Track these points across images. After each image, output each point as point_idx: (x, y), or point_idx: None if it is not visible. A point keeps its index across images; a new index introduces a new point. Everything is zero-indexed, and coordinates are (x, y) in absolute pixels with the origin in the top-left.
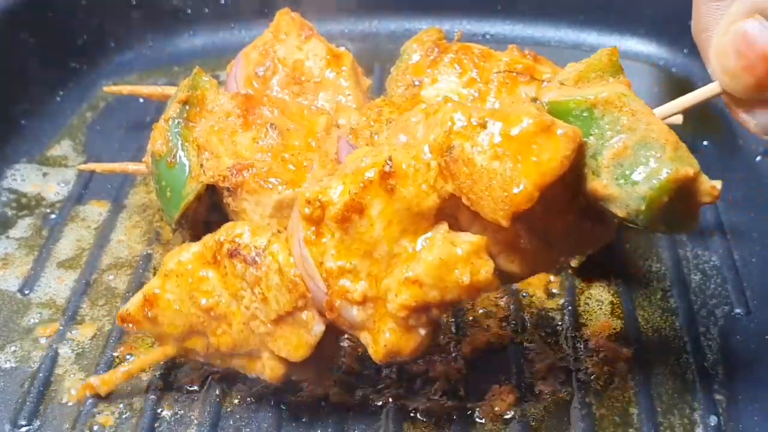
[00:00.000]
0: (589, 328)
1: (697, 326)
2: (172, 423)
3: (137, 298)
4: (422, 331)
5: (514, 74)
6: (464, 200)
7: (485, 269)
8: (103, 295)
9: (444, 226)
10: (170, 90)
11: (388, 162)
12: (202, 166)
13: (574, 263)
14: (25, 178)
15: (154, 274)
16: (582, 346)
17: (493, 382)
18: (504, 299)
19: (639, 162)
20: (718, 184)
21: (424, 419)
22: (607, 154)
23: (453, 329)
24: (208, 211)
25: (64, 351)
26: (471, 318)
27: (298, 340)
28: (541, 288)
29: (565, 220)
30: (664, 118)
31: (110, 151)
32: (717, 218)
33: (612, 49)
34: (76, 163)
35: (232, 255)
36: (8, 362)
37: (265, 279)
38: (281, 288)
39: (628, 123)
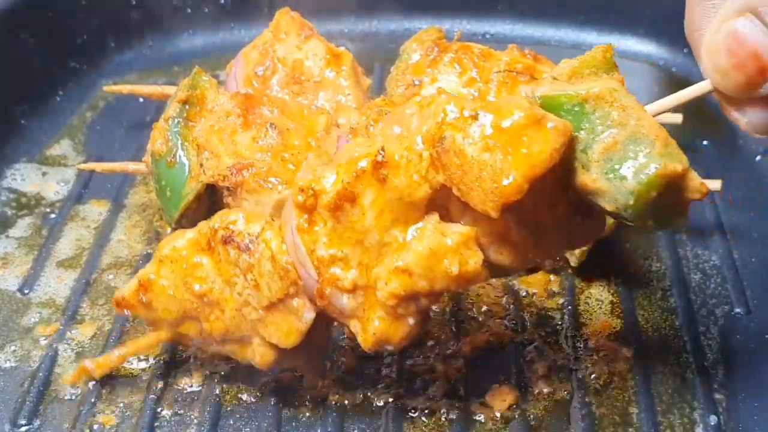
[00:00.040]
0: (589, 327)
1: (697, 326)
2: (172, 423)
3: (132, 283)
4: (411, 320)
5: (514, 74)
6: (455, 191)
7: (474, 260)
8: (102, 294)
9: (435, 217)
10: (170, 90)
11: (381, 152)
12: (201, 165)
13: (573, 263)
14: (25, 178)
15: None
16: (582, 346)
17: (493, 381)
18: (504, 299)
19: (628, 157)
20: (717, 183)
21: (424, 419)
22: (597, 149)
23: (453, 329)
24: (208, 211)
25: (64, 350)
26: (471, 318)
27: (289, 327)
28: (541, 287)
29: (555, 213)
30: (655, 115)
31: (110, 150)
32: (717, 218)
33: (607, 46)
34: (76, 163)
35: (226, 241)
36: (8, 362)
37: (258, 266)
38: (273, 275)
39: (618, 118)
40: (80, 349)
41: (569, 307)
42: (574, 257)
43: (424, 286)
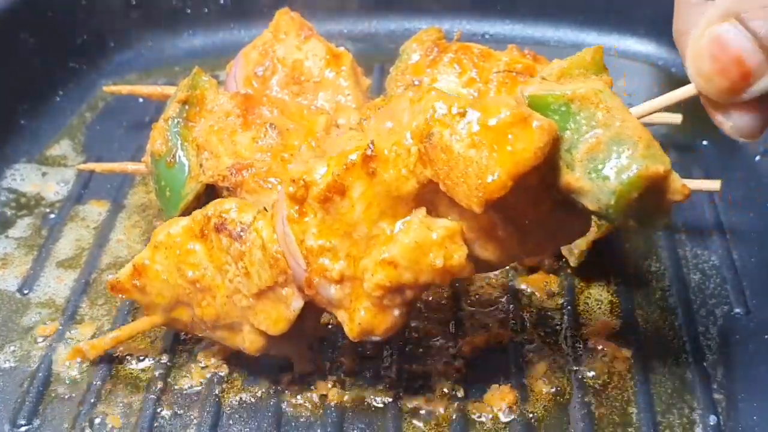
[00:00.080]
0: (589, 327)
1: (697, 326)
2: (172, 423)
3: (127, 268)
4: (396, 312)
5: (514, 74)
6: (441, 186)
7: (458, 254)
8: (102, 294)
9: (422, 211)
10: (170, 90)
11: (371, 146)
12: (201, 165)
13: (573, 263)
14: (25, 178)
15: None
16: (581, 346)
17: (493, 381)
18: (504, 299)
19: (611, 157)
20: (717, 183)
21: (424, 419)
22: (581, 148)
23: (452, 329)
24: None
25: (64, 350)
26: (471, 318)
27: (278, 315)
28: (540, 288)
29: (540, 211)
30: (640, 117)
31: (110, 150)
32: (716, 218)
33: (597, 47)
34: (76, 163)
35: (218, 229)
36: (7, 362)
37: (249, 254)
38: (263, 263)
39: (603, 119)
40: None
41: (569, 307)
42: (573, 257)
43: (410, 279)
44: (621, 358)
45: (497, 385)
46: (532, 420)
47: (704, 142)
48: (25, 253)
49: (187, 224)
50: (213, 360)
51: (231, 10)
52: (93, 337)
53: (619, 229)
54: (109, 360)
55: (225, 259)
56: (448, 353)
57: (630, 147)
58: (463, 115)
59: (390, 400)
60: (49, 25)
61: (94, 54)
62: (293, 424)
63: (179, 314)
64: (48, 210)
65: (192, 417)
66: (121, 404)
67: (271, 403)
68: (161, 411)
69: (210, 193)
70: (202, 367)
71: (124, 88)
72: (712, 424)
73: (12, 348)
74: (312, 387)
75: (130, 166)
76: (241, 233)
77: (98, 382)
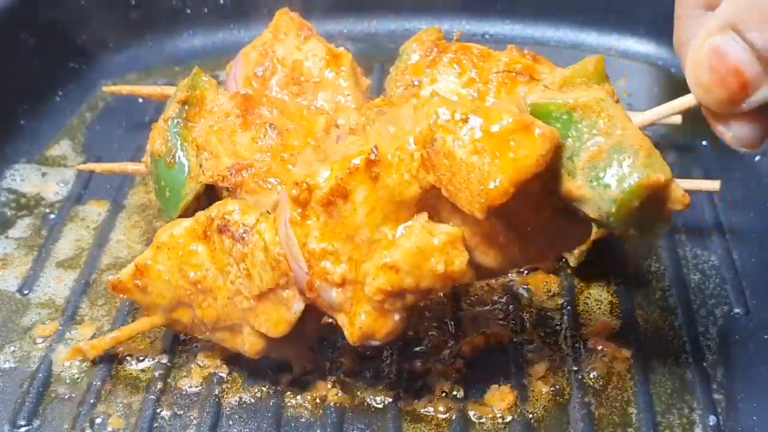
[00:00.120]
0: (588, 327)
1: (696, 326)
2: (172, 423)
3: (129, 268)
4: (397, 316)
5: (513, 74)
6: (444, 192)
7: (459, 260)
8: (102, 295)
9: (424, 216)
10: (170, 90)
11: (374, 150)
12: (201, 166)
13: (573, 263)
14: (25, 178)
15: None
16: (581, 346)
17: (493, 382)
18: (504, 299)
19: (612, 165)
20: (716, 183)
21: (424, 419)
22: (583, 156)
23: (452, 329)
24: None
25: (64, 350)
26: (471, 318)
27: (279, 317)
28: (540, 288)
29: (541, 218)
30: (642, 127)
31: (109, 151)
32: (716, 218)
33: (599, 56)
34: (76, 163)
35: (221, 231)
36: (7, 362)
37: (251, 256)
38: (265, 265)
39: (604, 127)
40: None
41: (568, 308)
42: (573, 257)
43: (411, 283)
44: (621, 358)
45: (497, 386)
46: (532, 420)
47: (704, 142)
48: (25, 253)
49: (190, 225)
50: (213, 360)
51: (231, 10)
52: (93, 337)
53: (619, 238)
54: (109, 360)
55: (227, 260)
56: (448, 353)
57: (631, 155)
58: (465, 121)
59: (390, 400)
60: (49, 25)
61: (94, 54)
62: (293, 424)
63: (180, 315)
64: (48, 210)
65: (192, 417)
66: (121, 404)
67: (271, 403)
68: (161, 411)
69: (210, 193)
70: (202, 368)
71: (124, 88)
72: (711, 424)
73: (12, 348)
74: (312, 387)
75: (129, 167)
76: (244, 235)
77: (98, 383)
